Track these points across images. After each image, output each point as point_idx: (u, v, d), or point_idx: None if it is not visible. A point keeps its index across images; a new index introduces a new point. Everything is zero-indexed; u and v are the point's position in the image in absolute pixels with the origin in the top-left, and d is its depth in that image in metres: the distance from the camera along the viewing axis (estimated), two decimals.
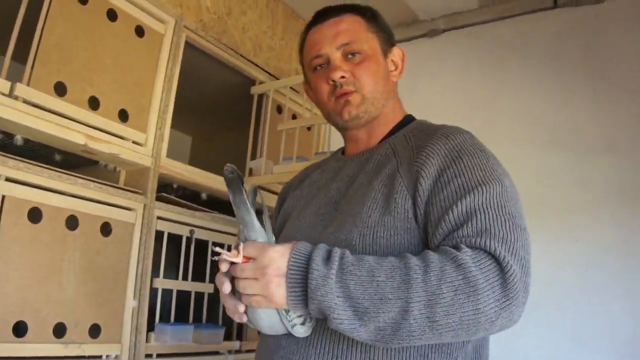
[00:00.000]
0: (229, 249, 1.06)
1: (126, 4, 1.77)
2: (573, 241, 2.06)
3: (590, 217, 2.05)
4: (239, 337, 2.06)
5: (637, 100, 2.07)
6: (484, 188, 1.05)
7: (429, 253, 0.98)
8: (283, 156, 2.08)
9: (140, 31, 1.82)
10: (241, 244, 1.00)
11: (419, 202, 1.09)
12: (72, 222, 1.60)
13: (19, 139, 1.60)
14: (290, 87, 2.23)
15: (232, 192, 1.04)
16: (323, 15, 1.27)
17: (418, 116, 1.32)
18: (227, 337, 2.00)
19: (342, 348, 1.07)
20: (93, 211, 1.65)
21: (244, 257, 0.99)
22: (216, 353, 1.96)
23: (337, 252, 0.99)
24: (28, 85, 1.51)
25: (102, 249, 1.67)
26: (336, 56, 1.22)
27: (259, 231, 1.03)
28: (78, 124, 1.61)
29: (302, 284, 0.97)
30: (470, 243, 0.99)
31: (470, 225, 1.01)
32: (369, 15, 1.28)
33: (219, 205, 2.15)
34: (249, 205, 1.03)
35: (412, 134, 1.22)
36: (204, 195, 2.07)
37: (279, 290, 0.98)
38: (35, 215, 1.52)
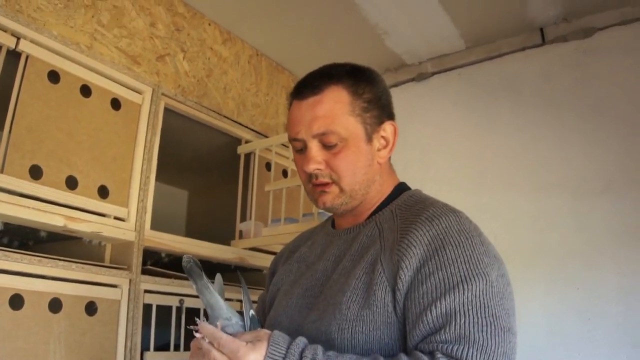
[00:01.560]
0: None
1: (100, 78, 1.78)
2: (574, 289, 1.99)
3: (589, 262, 2.00)
4: None
5: (632, 138, 2.03)
6: (465, 286, 1.01)
7: (401, 357, 0.96)
8: (272, 218, 2.07)
9: (116, 104, 1.82)
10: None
11: (398, 295, 1.06)
12: (55, 305, 1.59)
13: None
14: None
15: (192, 281, 1.07)
16: (303, 89, 1.19)
17: (409, 162, 1.26)
18: None
19: None
20: (77, 292, 1.63)
21: None
22: None
23: (308, 356, 0.97)
24: (2, 172, 1.50)
25: (88, 329, 1.65)
26: (312, 145, 1.16)
27: (225, 310, 1.07)
28: (56, 206, 1.60)
29: None
30: (447, 351, 0.96)
31: (448, 331, 0.98)
32: (356, 88, 1.18)
33: (212, 266, 2.13)
34: (211, 288, 1.07)
35: (399, 210, 1.18)
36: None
37: None
38: (16, 301, 1.50)
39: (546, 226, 2.09)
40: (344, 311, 1.07)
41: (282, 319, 1.20)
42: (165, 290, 1.86)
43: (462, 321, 0.98)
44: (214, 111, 2.16)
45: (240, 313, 1.10)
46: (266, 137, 2.37)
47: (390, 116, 1.22)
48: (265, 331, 1.01)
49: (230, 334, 1.01)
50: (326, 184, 1.17)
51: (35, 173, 1.59)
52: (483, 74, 2.40)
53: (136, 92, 1.88)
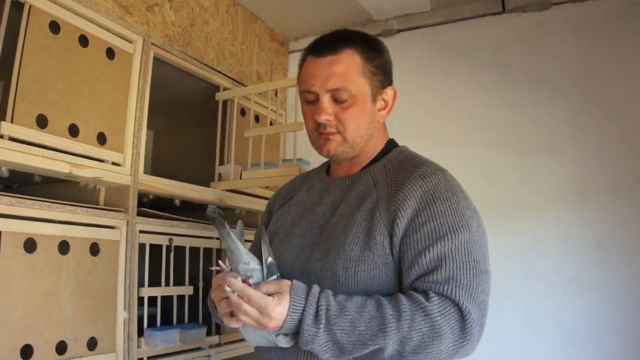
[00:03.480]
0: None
1: (96, 28, 1.82)
2: (520, 234, 2.27)
3: (533, 212, 2.27)
4: (218, 332, 2.22)
5: (574, 103, 2.27)
6: (452, 235, 1.22)
7: (402, 301, 1.16)
8: (251, 162, 2.19)
9: (111, 53, 1.87)
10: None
11: (395, 240, 1.25)
12: (64, 247, 1.69)
13: (4, 171, 1.67)
14: None
15: (216, 228, 1.19)
16: (321, 48, 1.32)
17: None
18: (208, 333, 2.16)
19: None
20: (82, 234, 1.74)
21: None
22: (199, 349, 2.12)
23: (323, 306, 1.15)
24: (12, 122, 1.56)
25: (92, 268, 1.77)
26: (325, 98, 1.30)
27: (245, 255, 1.20)
28: (61, 153, 1.68)
29: (293, 335, 1.18)
30: (438, 290, 1.17)
31: (439, 272, 1.19)
32: (368, 54, 1.33)
33: (192, 207, 2.27)
34: (232, 236, 1.19)
35: (391, 165, 1.36)
36: (177, 202, 2.16)
37: (274, 329, 1.17)
38: (30, 245, 1.60)
39: (497, 179, 2.35)
40: (347, 252, 1.25)
41: (286, 256, 1.36)
42: (157, 230, 2.00)
43: (451, 265, 1.19)
44: (196, 60, 2.24)
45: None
46: (242, 84, 2.47)
47: (391, 82, 1.40)
48: (287, 282, 1.18)
49: (254, 284, 1.18)
50: (332, 133, 1.33)
51: (42, 122, 1.65)
52: (445, 36, 2.55)
53: (128, 41, 1.94)
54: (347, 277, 1.24)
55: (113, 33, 1.88)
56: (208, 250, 2.23)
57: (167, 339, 1.94)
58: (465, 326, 1.15)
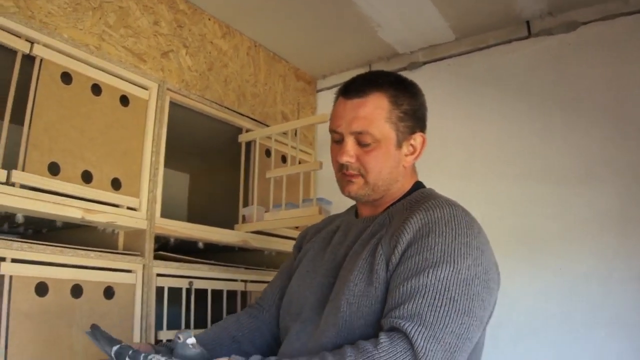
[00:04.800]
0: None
1: (109, 77, 1.87)
2: (557, 269, 2.12)
3: (570, 246, 2.12)
4: None
5: (608, 127, 2.13)
6: (431, 270, 1.14)
7: (346, 353, 1.09)
8: (273, 203, 2.20)
9: (125, 100, 1.92)
10: None
11: (389, 274, 1.21)
12: (76, 291, 1.71)
13: (19, 218, 1.70)
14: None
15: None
16: (350, 90, 1.34)
17: None
18: None
19: None
20: (95, 278, 1.75)
21: None
22: None
23: None
24: (23, 170, 1.60)
25: (107, 311, 1.78)
26: (349, 140, 1.31)
27: None
28: (74, 199, 1.71)
29: None
30: (397, 325, 1.09)
31: (405, 307, 1.12)
32: (397, 99, 1.32)
33: (217, 250, 2.27)
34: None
35: (409, 204, 1.34)
36: (200, 244, 2.16)
37: None
38: (41, 289, 1.63)
39: (529, 212, 2.21)
40: (352, 288, 1.23)
41: (308, 294, 1.38)
42: (176, 274, 1.99)
43: (419, 301, 1.11)
44: (216, 103, 2.27)
45: None
46: (266, 125, 2.48)
47: (422, 128, 1.38)
48: None
49: None
50: (354, 175, 1.34)
51: (54, 169, 1.69)
52: (471, 64, 2.49)
53: (143, 88, 1.98)
54: (350, 312, 1.21)
55: (127, 81, 1.93)
56: (232, 293, 2.20)
57: None
58: None
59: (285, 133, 2.35)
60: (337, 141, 1.36)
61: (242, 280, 2.21)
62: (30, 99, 1.67)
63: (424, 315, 1.09)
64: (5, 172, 1.57)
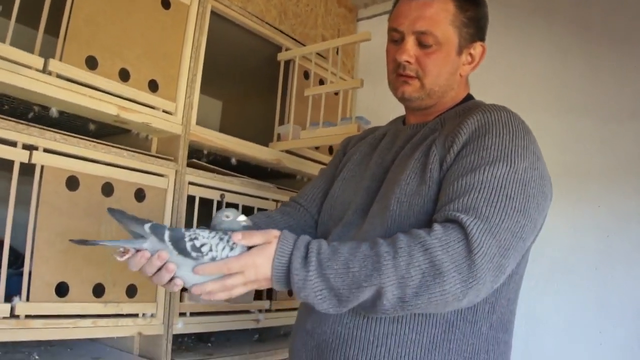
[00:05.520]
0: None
1: None
2: (595, 207, 2.06)
3: (612, 183, 2.05)
4: (269, 297, 2.14)
5: None
6: (488, 167, 1.10)
7: (399, 238, 1.06)
8: (310, 121, 2.13)
9: (166, 3, 1.86)
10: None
11: (442, 173, 1.18)
12: (107, 189, 1.68)
13: (54, 112, 1.67)
14: (317, 53, 2.25)
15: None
16: None
17: None
18: (257, 296, 2.09)
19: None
20: (127, 178, 1.72)
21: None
22: (247, 312, 2.06)
23: (313, 249, 1.08)
24: (61, 60, 1.56)
25: (136, 213, 1.74)
26: (410, 39, 1.27)
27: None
28: (110, 95, 1.67)
29: (287, 284, 1.09)
30: (451, 217, 1.06)
31: (461, 201, 1.08)
32: (463, 4, 1.28)
33: (248, 168, 2.22)
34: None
35: (462, 110, 1.30)
36: (233, 160, 2.13)
37: (267, 286, 1.12)
38: (72, 183, 1.60)
39: (572, 147, 2.15)
40: (403, 186, 1.20)
41: (353, 198, 1.36)
42: (208, 184, 1.95)
43: (475, 195, 1.07)
44: (257, 17, 2.20)
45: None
46: (305, 46, 2.41)
47: (482, 38, 1.34)
48: (275, 232, 1.11)
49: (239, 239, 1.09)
50: (410, 77, 1.29)
51: (91, 63, 1.65)
52: None
53: None
54: (400, 211, 1.18)
55: None
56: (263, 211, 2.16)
57: None
58: (473, 262, 1.00)
59: (324, 57, 2.28)
60: (396, 40, 1.31)
61: (273, 200, 2.16)
62: None
63: (479, 209, 1.05)
64: (42, 60, 1.52)
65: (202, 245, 1.07)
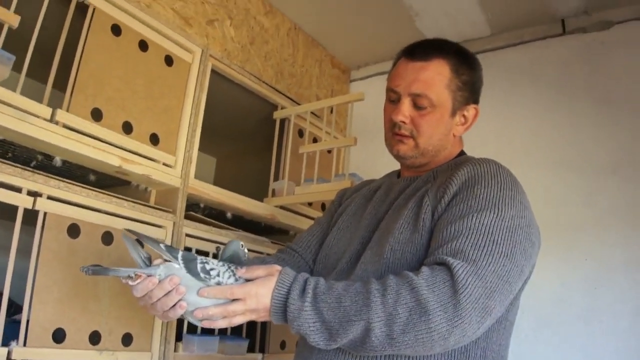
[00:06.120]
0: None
1: (156, 35, 1.89)
2: (582, 259, 2.12)
3: (597, 235, 2.12)
4: (262, 350, 2.15)
5: (637, 122, 2.16)
6: (477, 215, 1.16)
7: (389, 277, 1.11)
8: (304, 178, 2.18)
9: (169, 60, 1.94)
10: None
11: (434, 222, 1.23)
12: (107, 238, 1.70)
13: (58, 161, 1.71)
14: (311, 112, 2.33)
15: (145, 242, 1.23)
16: (414, 52, 1.36)
17: None
18: (251, 349, 2.09)
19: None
20: (127, 227, 1.75)
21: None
22: None
23: (311, 283, 1.13)
24: (67, 111, 1.61)
25: (135, 263, 1.77)
26: (405, 100, 1.33)
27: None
28: (113, 147, 1.72)
29: (283, 315, 1.13)
30: (442, 260, 1.10)
31: (449, 246, 1.13)
32: (458, 68, 1.35)
33: (243, 223, 2.26)
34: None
35: (454, 164, 1.36)
36: (229, 215, 2.17)
37: (265, 318, 1.17)
38: (74, 230, 1.62)
39: (559, 202, 2.23)
40: (396, 235, 1.24)
41: (347, 247, 1.40)
42: (205, 237, 1.98)
43: (463, 240, 1.12)
44: (255, 76, 2.29)
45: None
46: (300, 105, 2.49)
47: (476, 101, 1.41)
48: (277, 267, 1.18)
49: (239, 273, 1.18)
50: (405, 136, 1.35)
51: (96, 115, 1.70)
52: (505, 60, 2.53)
53: (187, 51, 1.99)
54: (394, 259, 1.22)
55: (172, 41, 1.95)
56: None
57: (206, 347, 1.88)
58: (459, 302, 1.04)
59: (318, 116, 2.36)
60: (393, 100, 1.37)
61: (267, 255, 2.19)
62: (81, 44, 1.68)
63: (467, 252, 1.10)
64: (50, 110, 1.57)
65: (211, 270, 1.14)
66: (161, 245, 1.17)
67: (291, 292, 1.12)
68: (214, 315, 1.13)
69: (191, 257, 1.17)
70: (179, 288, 1.13)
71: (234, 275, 1.16)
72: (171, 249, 1.18)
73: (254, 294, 1.13)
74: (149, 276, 1.16)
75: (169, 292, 1.13)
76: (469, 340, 1.10)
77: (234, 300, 1.13)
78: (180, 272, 1.15)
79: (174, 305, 1.14)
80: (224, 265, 1.18)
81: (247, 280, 1.17)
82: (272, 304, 1.13)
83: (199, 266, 1.14)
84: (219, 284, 1.14)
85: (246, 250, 1.26)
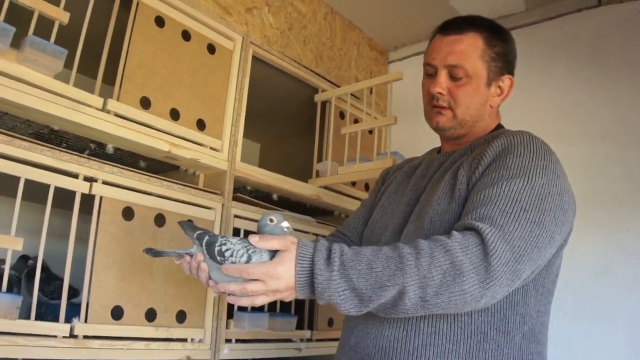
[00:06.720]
0: None
1: (198, 25, 1.96)
2: (624, 231, 2.11)
3: (638, 207, 2.10)
4: (310, 327, 2.21)
5: None
6: (506, 182, 1.18)
7: (420, 241, 1.13)
8: (347, 158, 2.23)
9: (211, 49, 2.00)
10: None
11: (468, 192, 1.26)
12: (160, 220, 1.78)
13: (110, 148, 1.80)
14: (351, 94, 2.37)
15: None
16: (449, 27, 1.41)
17: None
18: (299, 326, 2.15)
19: (412, 320, 1.23)
20: (178, 210, 1.83)
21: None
22: (289, 340, 2.12)
23: (336, 251, 1.13)
24: (118, 100, 1.69)
25: (187, 244, 1.85)
26: (442, 72, 1.38)
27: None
28: (162, 133, 1.79)
29: (310, 288, 1.13)
30: (471, 225, 1.13)
31: (478, 211, 1.16)
32: (491, 40, 1.38)
33: (289, 205, 2.32)
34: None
35: (490, 137, 1.38)
36: (274, 196, 2.23)
37: (290, 297, 1.17)
38: (128, 213, 1.71)
39: (599, 174, 2.22)
40: (435, 207, 1.28)
41: (390, 222, 1.43)
42: (253, 217, 2.05)
43: (491, 207, 1.15)
44: (295, 61, 2.34)
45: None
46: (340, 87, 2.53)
47: (511, 72, 1.43)
48: (292, 238, 1.17)
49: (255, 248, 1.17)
50: (443, 107, 1.39)
51: (145, 103, 1.77)
52: (541, 34, 2.52)
53: (228, 39, 2.06)
54: (433, 229, 1.26)
55: (214, 30, 2.01)
56: None
57: (256, 323, 1.96)
58: (490, 264, 1.07)
59: (358, 97, 2.40)
60: (430, 74, 1.42)
61: (313, 234, 2.25)
62: (127, 37, 1.76)
63: (494, 218, 1.13)
64: (102, 99, 1.65)
65: (226, 251, 1.17)
66: (196, 232, 1.25)
67: (316, 263, 1.11)
68: (234, 291, 1.15)
69: (213, 241, 1.20)
70: (201, 265, 1.21)
71: (247, 252, 1.15)
72: (202, 234, 1.23)
73: (273, 275, 1.12)
74: (186, 255, 1.28)
75: (198, 269, 1.22)
76: (496, 300, 1.14)
77: (252, 280, 1.13)
78: (205, 254, 1.22)
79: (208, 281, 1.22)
80: (241, 243, 1.17)
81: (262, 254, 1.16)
82: (297, 279, 1.12)
83: (215, 249, 1.18)
84: (233, 263, 1.16)
85: (286, 230, 1.22)
